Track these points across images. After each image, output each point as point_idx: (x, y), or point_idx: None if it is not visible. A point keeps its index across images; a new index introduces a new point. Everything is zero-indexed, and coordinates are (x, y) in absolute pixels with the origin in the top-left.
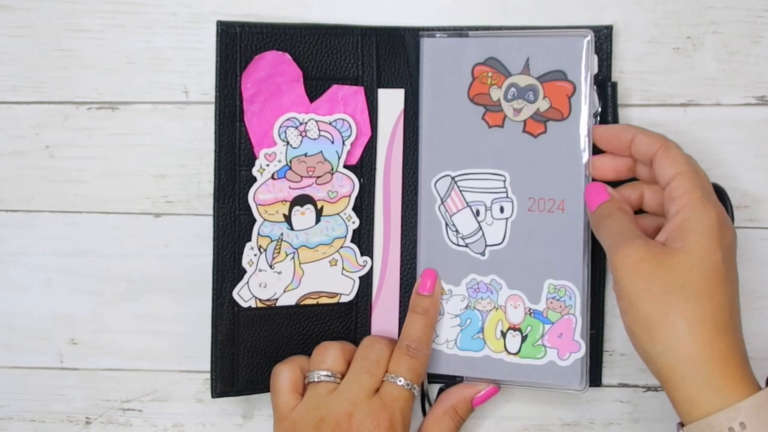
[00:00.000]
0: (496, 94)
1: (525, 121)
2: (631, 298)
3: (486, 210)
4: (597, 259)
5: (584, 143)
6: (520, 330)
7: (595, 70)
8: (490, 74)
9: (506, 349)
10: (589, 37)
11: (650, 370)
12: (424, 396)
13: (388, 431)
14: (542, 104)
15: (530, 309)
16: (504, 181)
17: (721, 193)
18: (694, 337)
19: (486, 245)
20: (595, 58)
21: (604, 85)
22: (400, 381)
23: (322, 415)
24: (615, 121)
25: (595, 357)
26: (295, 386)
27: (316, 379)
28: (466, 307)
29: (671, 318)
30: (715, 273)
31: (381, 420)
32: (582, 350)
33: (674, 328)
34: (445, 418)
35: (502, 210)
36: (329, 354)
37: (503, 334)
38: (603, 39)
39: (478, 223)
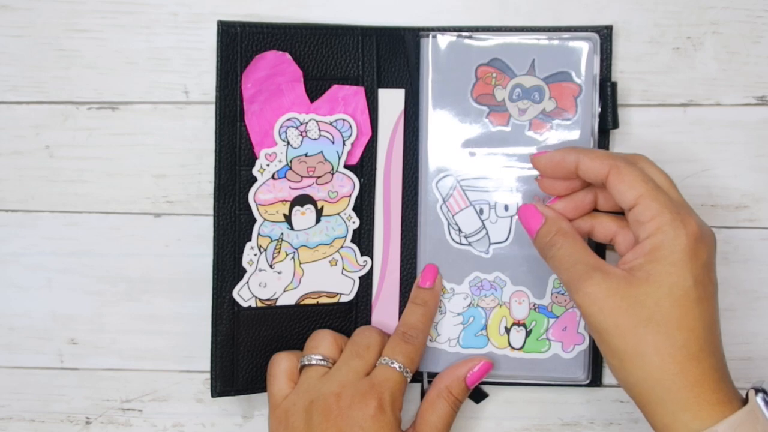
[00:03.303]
0: (501, 94)
1: (530, 121)
2: (600, 333)
3: (490, 208)
4: (601, 254)
5: (591, 143)
6: (524, 325)
7: (596, 70)
8: (494, 75)
9: (510, 345)
10: (595, 38)
11: (629, 396)
12: (423, 395)
13: (377, 410)
14: (548, 104)
15: (535, 304)
16: (508, 180)
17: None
18: (666, 368)
19: (490, 243)
20: (596, 58)
21: (604, 85)
22: (393, 363)
23: (312, 398)
24: (615, 120)
25: (596, 357)
26: (291, 374)
27: (307, 363)
28: (469, 305)
29: (641, 350)
30: (685, 300)
31: (369, 399)
32: (586, 342)
33: (645, 360)
34: (440, 401)
35: (506, 208)
36: (323, 340)
37: (507, 330)
38: (603, 39)
39: (482, 221)
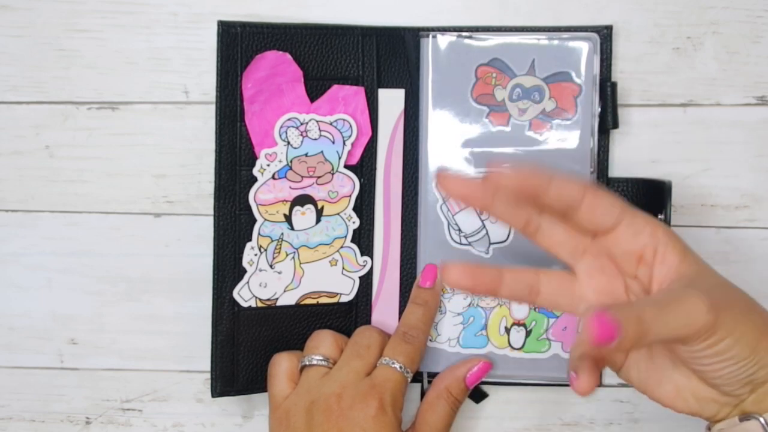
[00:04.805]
0: (501, 94)
1: (530, 121)
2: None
3: None
4: None
5: (591, 142)
6: (524, 325)
7: (596, 70)
8: (494, 75)
9: (510, 345)
10: (595, 38)
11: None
12: (423, 395)
13: (378, 410)
14: (548, 104)
15: None
16: None
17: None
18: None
19: (490, 243)
20: (596, 58)
21: (604, 85)
22: (393, 364)
23: (313, 399)
24: (615, 120)
25: None
26: (292, 375)
27: (308, 363)
28: (469, 305)
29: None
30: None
31: (370, 400)
32: None
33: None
34: (440, 402)
35: None
36: (323, 341)
37: (507, 330)
38: (603, 39)
39: (482, 221)
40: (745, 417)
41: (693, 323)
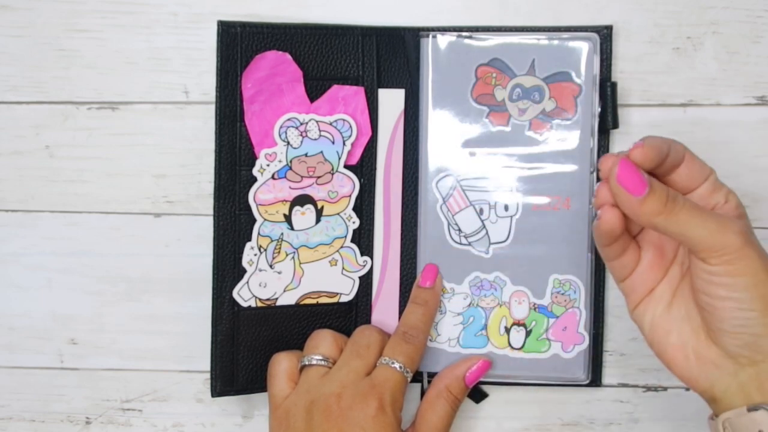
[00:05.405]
0: (501, 94)
1: (530, 121)
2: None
3: (490, 208)
4: (599, 256)
5: (591, 142)
6: (524, 325)
7: (596, 70)
8: (494, 75)
9: (510, 345)
10: (595, 38)
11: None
12: (423, 395)
13: (378, 410)
14: (548, 104)
15: (535, 304)
16: (508, 180)
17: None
18: None
19: (490, 243)
20: (596, 58)
21: (604, 85)
22: (393, 363)
23: (313, 399)
24: (615, 120)
25: (596, 357)
26: (292, 374)
27: (308, 363)
28: (469, 305)
29: None
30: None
31: (370, 400)
32: (586, 342)
33: None
34: (439, 401)
35: (506, 208)
36: (323, 340)
37: (507, 330)
38: (603, 39)
39: (482, 221)
40: (753, 407)
41: (720, 236)
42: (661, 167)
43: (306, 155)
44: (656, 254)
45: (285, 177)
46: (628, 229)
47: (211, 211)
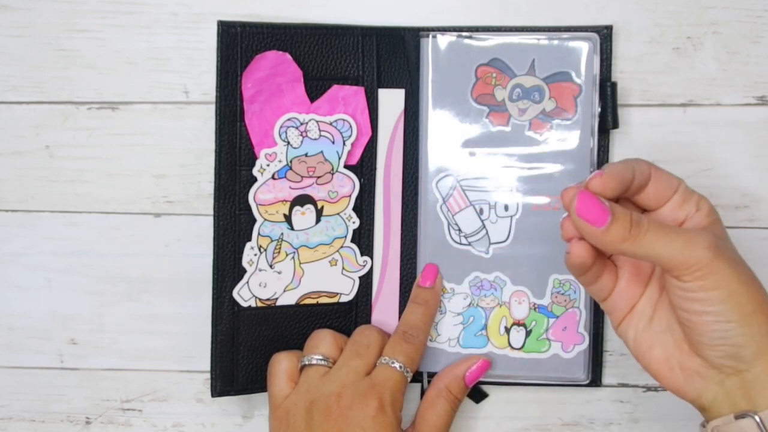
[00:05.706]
0: (501, 94)
1: (530, 121)
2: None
3: (490, 208)
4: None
5: (591, 142)
6: (524, 325)
7: (596, 70)
8: (494, 75)
9: (510, 345)
10: (595, 38)
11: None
12: (423, 394)
13: (377, 410)
14: (548, 104)
15: (535, 304)
16: (508, 180)
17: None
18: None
19: (490, 243)
20: (596, 58)
21: (604, 85)
22: (393, 363)
23: (313, 398)
24: (615, 120)
25: (596, 357)
26: (292, 374)
27: (308, 363)
28: (469, 305)
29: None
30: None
31: (370, 399)
32: (585, 342)
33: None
34: (439, 400)
35: (506, 208)
36: (323, 340)
37: (507, 330)
38: (603, 39)
39: (482, 221)
40: (740, 415)
41: (688, 252)
42: (628, 191)
43: (306, 155)
44: (633, 272)
45: (285, 177)
46: (601, 254)
47: (211, 211)
